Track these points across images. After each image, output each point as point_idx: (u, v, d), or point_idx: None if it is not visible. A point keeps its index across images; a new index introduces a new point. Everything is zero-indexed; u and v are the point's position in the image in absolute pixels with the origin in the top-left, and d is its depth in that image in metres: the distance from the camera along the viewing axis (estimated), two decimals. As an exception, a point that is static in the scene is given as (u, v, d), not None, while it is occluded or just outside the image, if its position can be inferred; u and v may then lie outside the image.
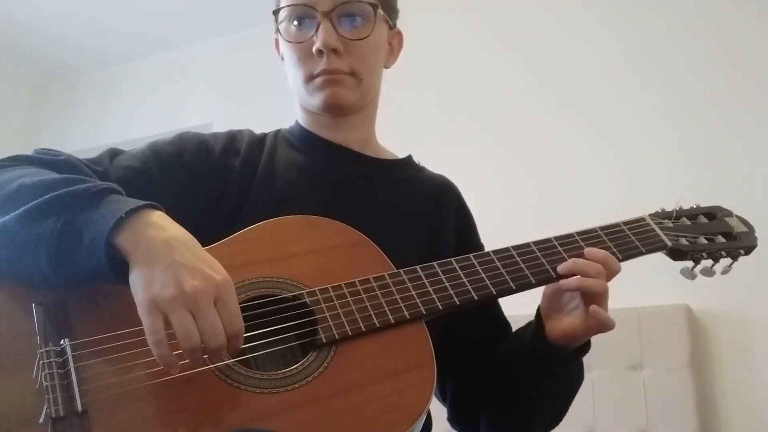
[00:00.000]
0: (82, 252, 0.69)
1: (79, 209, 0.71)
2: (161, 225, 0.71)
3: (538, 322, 0.91)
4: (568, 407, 0.96)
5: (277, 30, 1.00)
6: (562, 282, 0.88)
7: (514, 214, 2.34)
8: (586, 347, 0.91)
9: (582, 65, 2.57)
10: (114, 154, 0.93)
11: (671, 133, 2.33)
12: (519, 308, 1.09)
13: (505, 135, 2.62)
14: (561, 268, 0.88)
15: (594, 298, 0.85)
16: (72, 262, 0.70)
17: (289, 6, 0.97)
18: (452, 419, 1.05)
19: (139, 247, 0.68)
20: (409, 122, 2.52)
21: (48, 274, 0.71)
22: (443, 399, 1.05)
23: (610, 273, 0.88)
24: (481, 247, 1.07)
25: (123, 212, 0.69)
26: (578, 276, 0.86)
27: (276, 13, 1.00)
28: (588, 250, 0.90)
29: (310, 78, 0.97)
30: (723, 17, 2.38)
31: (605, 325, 0.84)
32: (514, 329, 1.04)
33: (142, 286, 0.66)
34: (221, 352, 0.67)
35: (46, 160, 0.83)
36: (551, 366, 0.90)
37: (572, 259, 0.89)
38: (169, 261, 0.67)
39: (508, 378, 0.94)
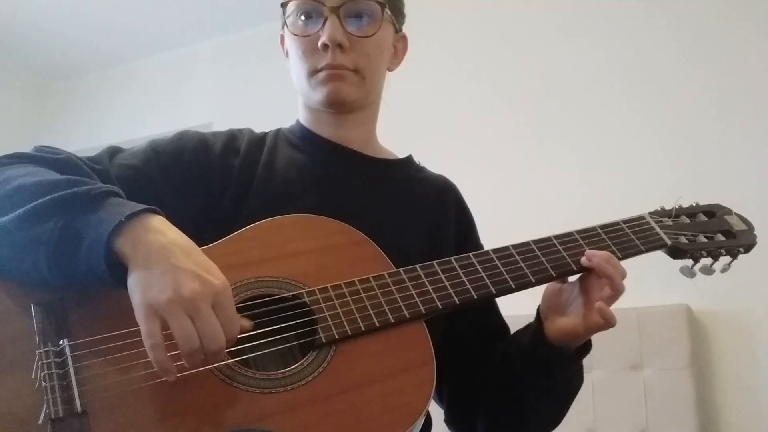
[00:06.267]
0: (81, 255, 0.69)
1: (78, 212, 0.71)
2: (160, 230, 0.70)
3: (538, 322, 0.91)
4: (566, 411, 0.96)
5: (284, 23, 1.00)
6: (600, 267, 0.87)
7: (509, 217, 2.33)
8: (585, 349, 0.91)
9: (572, 73, 2.56)
10: (114, 152, 0.92)
11: (660, 137, 2.33)
12: (519, 308, 1.09)
13: (499, 139, 2.62)
14: (590, 254, 0.88)
15: (609, 299, 0.86)
16: (70, 264, 0.69)
17: (297, 0, 0.97)
18: (449, 420, 1.05)
19: (138, 251, 0.68)
20: (404, 127, 2.51)
21: (46, 275, 0.70)
22: (440, 400, 1.04)
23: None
24: (480, 247, 1.07)
25: (123, 216, 0.69)
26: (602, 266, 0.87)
27: (284, 6, 1.00)
28: (603, 253, 0.89)
29: (313, 72, 0.97)
30: (705, 20, 2.37)
31: (609, 323, 0.84)
32: (513, 330, 1.03)
33: (140, 289, 0.66)
34: (220, 355, 0.67)
35: (47, 158, 0.83)
36: (550, 366, 0.90)
37: (606, 252, 0.89)
38: (167, 265, 0.67)
39: (507, 378, 0.94)
